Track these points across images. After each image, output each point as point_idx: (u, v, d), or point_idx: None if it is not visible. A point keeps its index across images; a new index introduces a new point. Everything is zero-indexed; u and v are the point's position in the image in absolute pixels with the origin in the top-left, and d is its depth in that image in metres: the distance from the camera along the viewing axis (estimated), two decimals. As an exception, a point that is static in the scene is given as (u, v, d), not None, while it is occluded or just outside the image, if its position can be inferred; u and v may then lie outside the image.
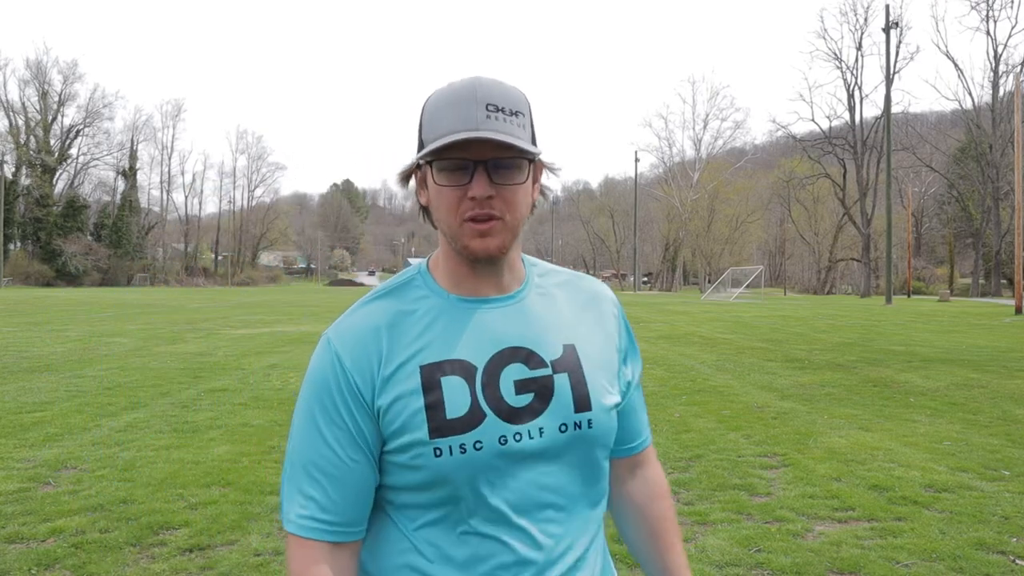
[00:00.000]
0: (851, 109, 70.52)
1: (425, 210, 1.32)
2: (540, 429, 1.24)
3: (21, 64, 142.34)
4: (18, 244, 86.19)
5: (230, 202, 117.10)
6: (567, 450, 1.27)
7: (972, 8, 65.85)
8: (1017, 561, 4.44)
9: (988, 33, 63.38)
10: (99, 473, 6.28)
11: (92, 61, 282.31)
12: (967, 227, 73.42)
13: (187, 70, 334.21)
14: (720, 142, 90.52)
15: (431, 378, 1.22)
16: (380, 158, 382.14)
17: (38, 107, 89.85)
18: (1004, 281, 63.59)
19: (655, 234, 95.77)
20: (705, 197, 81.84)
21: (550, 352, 1.29)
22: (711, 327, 23.37)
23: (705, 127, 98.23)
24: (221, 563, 4.41)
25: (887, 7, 45.98)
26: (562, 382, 1.28)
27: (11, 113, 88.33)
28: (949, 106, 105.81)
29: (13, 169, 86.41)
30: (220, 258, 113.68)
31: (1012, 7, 76.61)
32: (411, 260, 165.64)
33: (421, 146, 1.25)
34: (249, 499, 5.58)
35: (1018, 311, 29.33)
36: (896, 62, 61.18)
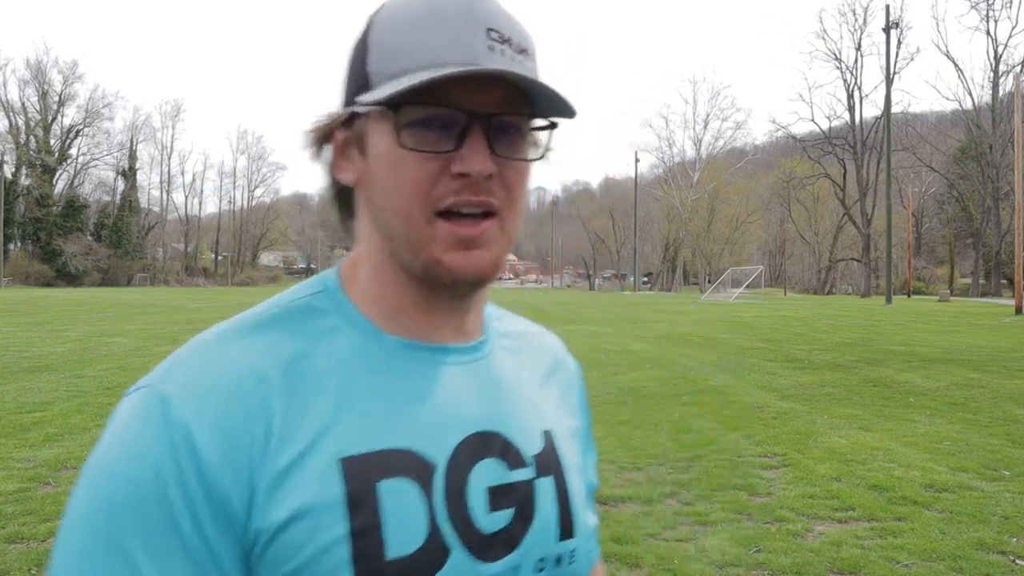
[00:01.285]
0: (851, 109, 70.56)
1: (341, 196, 0.86)
2: (516, 569, 0.77)
3: (21, 64, 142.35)
4: (18, 244, 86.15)
5: (230, 202, 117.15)
6: None
7: (972, 8, 65.86)
8: (1017, 561, 4.44)
9: (988, 33, 63.45)
10: (99, 473, 6.27)
11: (92, 61, 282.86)
12: (967, 227, 73.40)
13: (187, 70, 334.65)
14: (720, 142, 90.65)
15: (361, 482, 0.70)
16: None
17: (38, 107, 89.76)
18: (1004, 281, 63.58)
19: (655, 234, 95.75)
20: (705, 197, 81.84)
21: (530, 442, 0.83)
22: (711, 327, 23.37)
23: (706, 127, 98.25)
24: (221, 563, 4.41)
25: (887, 7, 46.00)
26: (546, 492, 0.82)
27: (11, 113, 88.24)
28: (949, 106, 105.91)
29: (13, 169, 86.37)
30: (220, 258, 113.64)
31: (1012, 7, 76.65)
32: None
33: (363, 85, 0.76)
34: (249, 499, 5.57)
35: (1018, 311, 29.32)
36: (896, 62, 61.24)
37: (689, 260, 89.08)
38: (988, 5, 61.94)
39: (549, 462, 0.84)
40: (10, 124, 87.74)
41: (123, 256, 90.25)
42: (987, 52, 70.33)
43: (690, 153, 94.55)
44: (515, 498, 0.79)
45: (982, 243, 68.04)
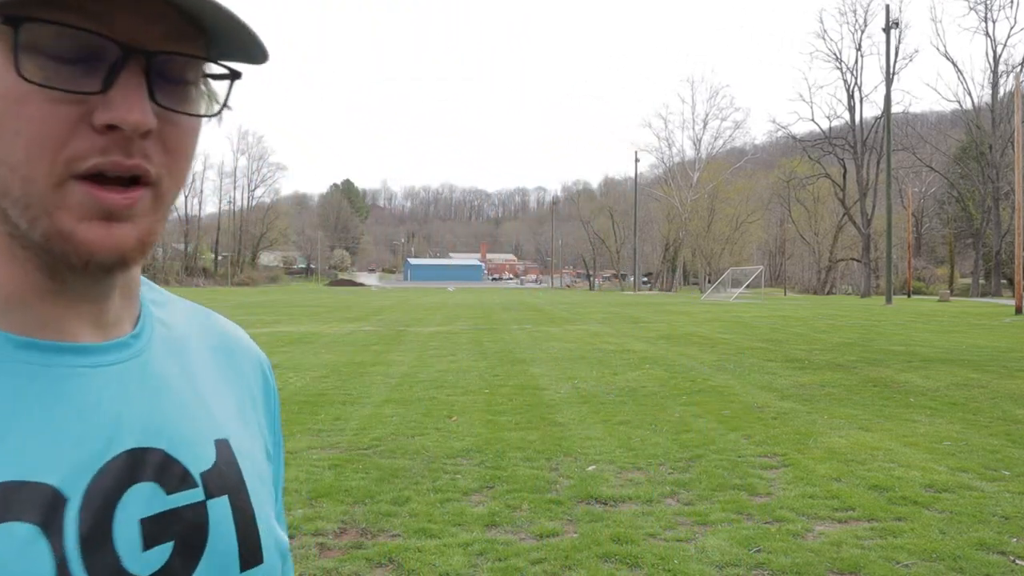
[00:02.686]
0: (851, 109, 70.57)
1: None
2: None
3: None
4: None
5: (230, 202, 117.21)
6: None
7: (971, 9, 65.80)
8: (1017, 561, 4.44)
9: (987, 34, 63.50)
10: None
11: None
12: (967, 227, 73.40)
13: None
14: (720, 142, 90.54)
15: None
16: (380, 158, 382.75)
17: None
18: (1004, 281, 63.57)
19: (655, 234, 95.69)
20: (705, 197, 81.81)
21: (198, 456, 0.67)
22: (711, 327, 23.37)
23: (705, 127, 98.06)
24: (221, 563, 4.40)
25: (887, 7, 46.03)
26: (220, 514, 0.67)
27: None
28: (949, 106, 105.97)
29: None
30: (220, 258, 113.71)
31: (1011, 7, 76.59)
32: (411, 260, 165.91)
33: None
34: (249, 499, 5.57)
35: (1018, 311, 29.32)
36: (896, 62, 61.25)
37: (689, 260, 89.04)
38: (987, 6, 61.97)
39: (225, 478, 0.68)
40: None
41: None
42: (986, 52, 70.32)
43: (690, 153, 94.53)
44: (176, 528, 0.63)
45: (982, 243, 68.04)
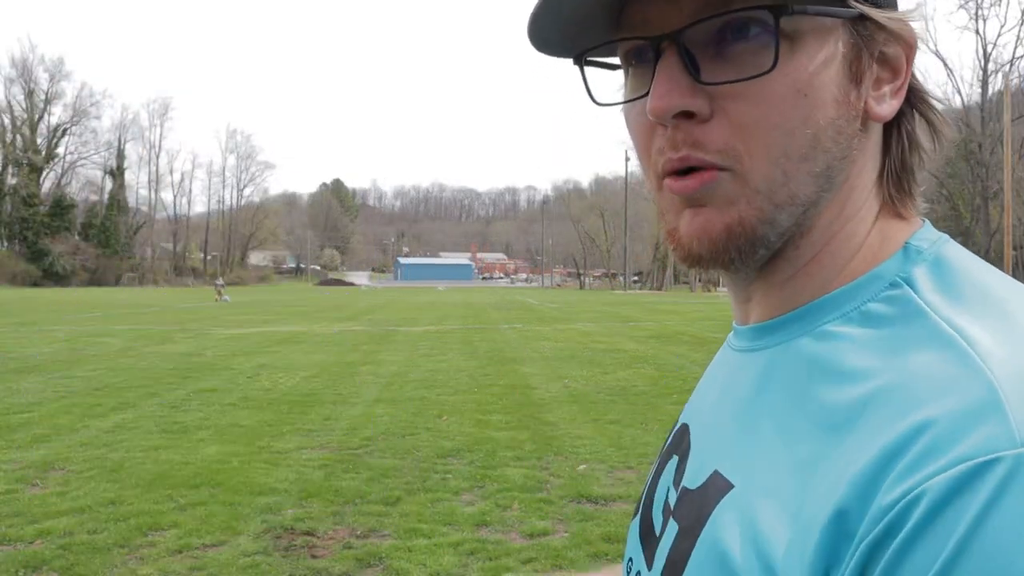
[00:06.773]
0: (840, 108, 70.82)
1: None
2: None
3: (7, 62, 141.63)
4: (4, 244, 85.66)
5: (219, 201, 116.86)
6: None
7: (961, 6, 66.17)
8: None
9: (977, 32, 64.06)
10: (87, 474, 6.24)
11: (78, 58, 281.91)
12: (956, 226, 73.80)
13: (175, 68, 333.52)
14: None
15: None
16: (369, 157, 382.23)
17: (24, 105, 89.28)
18: (992, 280, 63.90)
19: (646, 233, 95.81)
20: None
21: (697, 469, 0.61)
22: (701, 326, 23.41)
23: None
24: (210, 564, 4.38)
25: (876, 7, 46.19)
26: (664, 545, 0.60)
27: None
28: (938, 105, 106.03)
29: (0, 168, 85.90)
30: (209, 258, 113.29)
31: (1001, 5, 77.15)
32: (402, 260, 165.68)
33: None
34: (239, 499, 5.55)
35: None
36: (885, 62, 61.45)
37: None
38: (977, 4, 62.27)
39: (687, 511, 0.59)
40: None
41: (111, 256, 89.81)
42: (976, 51, 70.72)
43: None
44: (648, 531, 0.65)
45: (972, 242, 68.41)
